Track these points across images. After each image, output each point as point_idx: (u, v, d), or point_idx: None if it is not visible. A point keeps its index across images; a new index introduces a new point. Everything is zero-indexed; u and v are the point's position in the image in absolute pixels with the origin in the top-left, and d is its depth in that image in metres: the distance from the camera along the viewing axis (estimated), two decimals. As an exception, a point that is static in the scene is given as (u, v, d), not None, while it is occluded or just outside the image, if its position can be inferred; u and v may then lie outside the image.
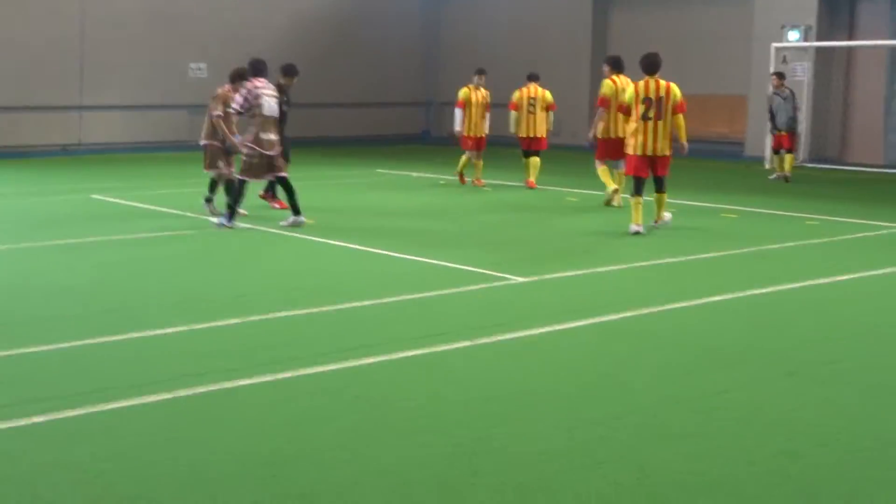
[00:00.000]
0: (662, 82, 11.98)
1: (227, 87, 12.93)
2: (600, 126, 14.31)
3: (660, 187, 12.17)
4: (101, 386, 5.91)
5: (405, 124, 29.11)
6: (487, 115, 17.26)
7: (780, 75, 18.89)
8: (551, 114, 17.00)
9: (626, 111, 12.12)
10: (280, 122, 12.76)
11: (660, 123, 11.84)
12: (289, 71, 14.00)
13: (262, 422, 5.36)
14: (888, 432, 5.27)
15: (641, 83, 12.02)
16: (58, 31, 23.47)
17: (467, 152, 17.20)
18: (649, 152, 11.87)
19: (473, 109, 17.08)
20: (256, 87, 12.11)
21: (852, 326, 7.61)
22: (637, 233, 11.68)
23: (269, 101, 12.15)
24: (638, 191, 11.86)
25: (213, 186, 13.24)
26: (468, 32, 28.45)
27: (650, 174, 12.02)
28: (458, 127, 17.19)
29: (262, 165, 12.22)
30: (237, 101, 12.12)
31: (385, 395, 5.83)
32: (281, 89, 13.29)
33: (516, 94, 16.90)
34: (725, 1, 23.75)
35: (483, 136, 17.20)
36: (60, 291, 8.61)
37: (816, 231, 12.18)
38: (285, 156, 13.38)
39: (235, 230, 11.98)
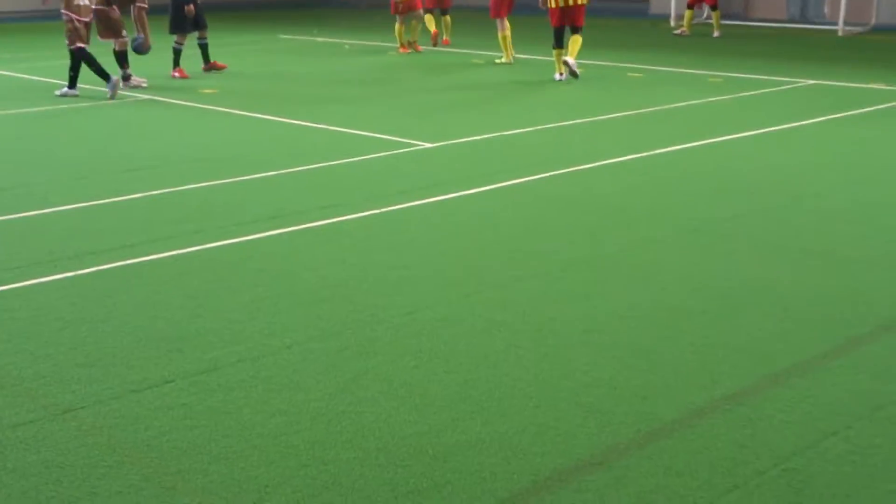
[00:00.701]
0: None
1: None
2: None
3: (576, 32, 12.93)
4: (-4, 267, 5.76)
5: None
6: None
7: None
8: None
9: None
10: None
11: None
12: None
13: (164, 297, 5.28)
14: (777, 285, 5.41)
15: None
16: None
17: (398, 17, 16.35)
18: (570, 2, 12.67)
19: None
20: None
21: (751, 182, 7.73)
22: (559, 80, 12.94)
23: None
24: (559, 42, 12.91)
25: (120, 58, 12.70)
26: None
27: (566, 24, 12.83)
28: None
29: (82, 30, 11.84)
30: None
31: (288, 267, 5.78)
32: None
33: None
34: None
35: None
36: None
37: (720, 88, 12.27)
38: (200, 21, 13.30)
39: (137, 102, 11.64)
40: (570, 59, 12.72)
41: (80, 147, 9.25)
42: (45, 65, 15.10)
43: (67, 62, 12.06)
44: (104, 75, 11.84)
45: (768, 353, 4.50)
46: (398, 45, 16.58)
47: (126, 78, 12.64)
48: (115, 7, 12.42)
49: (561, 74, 13.03)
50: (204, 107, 11.27)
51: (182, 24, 13.62)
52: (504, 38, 14.81)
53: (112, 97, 11.78)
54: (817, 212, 6.90)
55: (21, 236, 6.41)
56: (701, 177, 7.90)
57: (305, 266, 5.78)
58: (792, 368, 4.35)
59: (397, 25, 16.51)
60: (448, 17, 17.25)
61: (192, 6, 13.50)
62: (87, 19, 11.86)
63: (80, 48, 11.77)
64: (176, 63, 13.73)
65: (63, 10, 11.76)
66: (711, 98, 11.55)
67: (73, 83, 11.98)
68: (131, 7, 12.70)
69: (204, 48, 14.06)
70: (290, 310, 5.11)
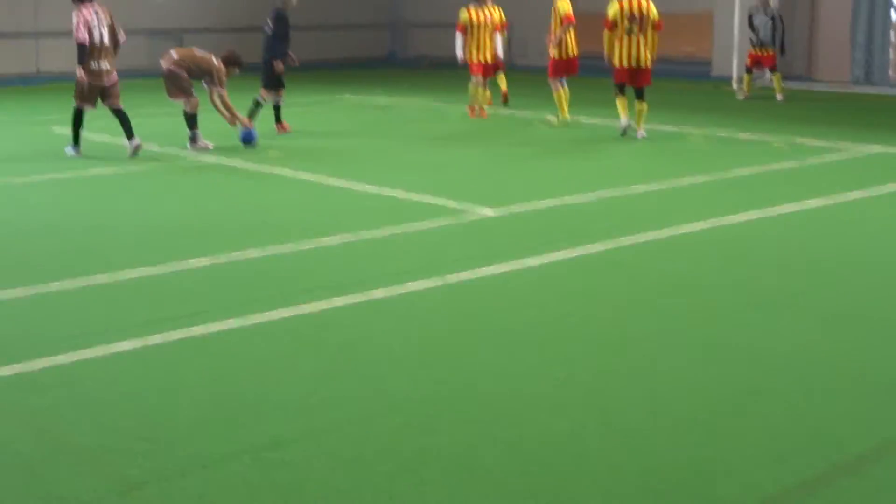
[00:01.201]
0: (643, 1, 13.24)
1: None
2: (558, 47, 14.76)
3: (640, 96, 13.45)
4: (64, 333, 5.84)
5: (371, 47, 28.68)
6: (499, 36, 15.92)
7: None
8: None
9: (612, 27, 13.26)
10: (265, 47, 14.05)
11: (641, 38, 13.22)
12: None
13: (228, 369, 5.31)
14: (849, 365, 5.30)
15: (626, 1, 13.20)
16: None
17: (474, 78, 15.90)
18: (634, 64, 13.24)
19: (479, 31, 15.71)
20: (90, 15, 12.04)
21: (820, 255, 7.62)
22: (628, 125, 13.46)
23: (98, 29, 12.08)
24: (622, 91, 13.47)
25: (189, 119, 12.96)
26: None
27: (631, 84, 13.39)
28: (459, 53, 15.89)
29: (94, 92, 12.19)
30: (78, 29, 12.02)
31: (350, 338, 5.79)
32: (277, 11, 14.17)
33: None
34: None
35: (489, 60, 15.88)
36: (19, 232, 8.47)
37: (785, 155, 12.16)
38: (278, 81, 14.01)
39: (201, 165, 11.84)
40: (640, 132, 13.39)
41: (144, 211, 9.39)
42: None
43: (140, 121, 12.32)
44: (77, 139, 12.34)
45: (841, 437, 4.39)
46: (473, 106, 16.12)
47: (193, 139, 12.87)
48: (185, 72, 12.69)
49: (626, 120, 13.51)
50: (268, 169, 11.41)
51: (273, 81, 14.11)
52: (559, 97, 14.88)
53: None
54: (888, 286, 6.77)
55: (84, 303, 6.49)
56: (766, 247, 7.81)
57: (367, 338, 5.79)
58: (867, 454, 4.24)
59: (472, 86, 16.02)
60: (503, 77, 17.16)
61: (281, 63, 14.00)
62: (100, 84, 12.14)
63: (79, 108, 12.26)
64: (278, 118, 14.34)
65: (81, 72, 12.07)
66: (776, 165, 11.45)
67: (129, 134, 12.24)
68: (202, 81, 12.87)
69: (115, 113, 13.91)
70: (353, 383, 5.10)
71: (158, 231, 8.49)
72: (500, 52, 16.04)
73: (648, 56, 13.31)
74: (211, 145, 12.85)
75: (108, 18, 12.28)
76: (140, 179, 11.08)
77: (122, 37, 12.46)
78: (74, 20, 12.02)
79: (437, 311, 6.29)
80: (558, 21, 14.72)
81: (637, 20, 13.20)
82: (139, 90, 21.02)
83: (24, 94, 20.76)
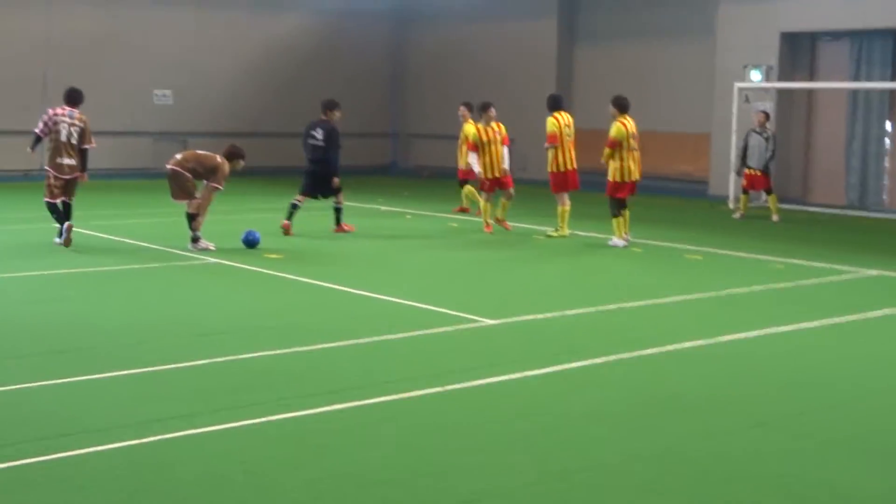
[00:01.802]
0: (633, 120, 14.28)
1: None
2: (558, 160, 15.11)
3: (625, 206, 14.33)
4: (56, 432, 5.79)
5: (372, 155, 29.07)
6: (505, 150, 15.90)
7: (766, 114, 18.99)
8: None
9: (618, 146, 14.08)
10: (314, 158, 14.92)
11: (637, 154, 14.28)
12: (330, 106, 15.24)
13: (225, 472, 5.27)
14: (855, 489, 5.27)
15: (627, 122, 14.18)
16: (21, 54, 23.34)
17: (484, 195, 15.86)
18: (636, 178, 14.25)
19: (489, 147, 15.64)
20: (56, 115, 12.93)
21: (818, 376, 7.63)
22: (626, 245, 14.11)
23: (67, 128, 12.90)
24: (623, 210, 14.24)
25: (191, 219, 13.08)
26: (434, 64, 28.53)
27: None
28: (477, 169, 15.69)
29: (59, 188, 12.91)
30: (39, 125, 13.07)
31: (349, 444, 5.76)
32: (327, 124, 15.02)
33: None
34: (688, 39, 23.98)
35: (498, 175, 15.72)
36: (11, 329, 8.46)
37: (781, 275, 12.25)
38: (328, 181, 15.03)
39: (205, 266, 11.90)
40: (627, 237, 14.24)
41: (145, 309, 9.40)
42: (123, 223, 15.52)
43: (143, 220, 12.41)
44: (62, 222, 12.85)
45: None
46: (483, 223, 15.90)
47: (195, 240, 12.95)
48: (189, 173, 12.85)
49: (626, 239, 14.23)
50: (269, 272, 11.46)
51: (311, 189, 15.05)
52: (564, 212, 15.11)
53: (64, 244, 12.69)
54: (890, 410, 6.76)
55: (83, 400, 6.46)
56: (765, 367, 7.82)
57: (366, 445, 5.75)
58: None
59: (483, 202, 16.00)
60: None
61: (337, 179, 15.02)
62: (66, 177, 12.87)
63: (49, 202, 12.88)
64: (338, 221, 15.24)
65: (46, 167, 12.93)
66: (773, 285, 11.52)
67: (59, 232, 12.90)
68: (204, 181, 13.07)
69: (339, 212, 15.33)
70: (352, 491, 5.06)
71: (158, 330, 8.48)
72: (506, 167, 15.96)
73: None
74: (213, 246, 12.93)
75: (82, 123, 13.05)
76: (139, 277, 11.12)
77: (90, 144, 13.16)
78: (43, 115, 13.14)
79: (435, 420, 6.25)
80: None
81: (635, 138, 14.17)
82: (145, 190, 21.23)
83: (28, 189, 20.95)
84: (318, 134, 14.97)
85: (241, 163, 13.39)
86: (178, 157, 13.16)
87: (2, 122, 22.92)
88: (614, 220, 14.31)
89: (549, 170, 15.23)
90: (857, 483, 5.35)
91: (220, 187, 13.04)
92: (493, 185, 15.73)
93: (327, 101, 15.36)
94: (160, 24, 25.30)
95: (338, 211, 15.30)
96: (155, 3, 25.14)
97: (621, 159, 14.17)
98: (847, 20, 20.83)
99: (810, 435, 6.18)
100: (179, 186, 12.92)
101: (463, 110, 17.94)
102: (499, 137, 15.77)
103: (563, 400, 6.80)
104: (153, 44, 25.16)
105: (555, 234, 15.18)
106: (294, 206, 14.88)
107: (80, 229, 14.66)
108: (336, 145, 15.07)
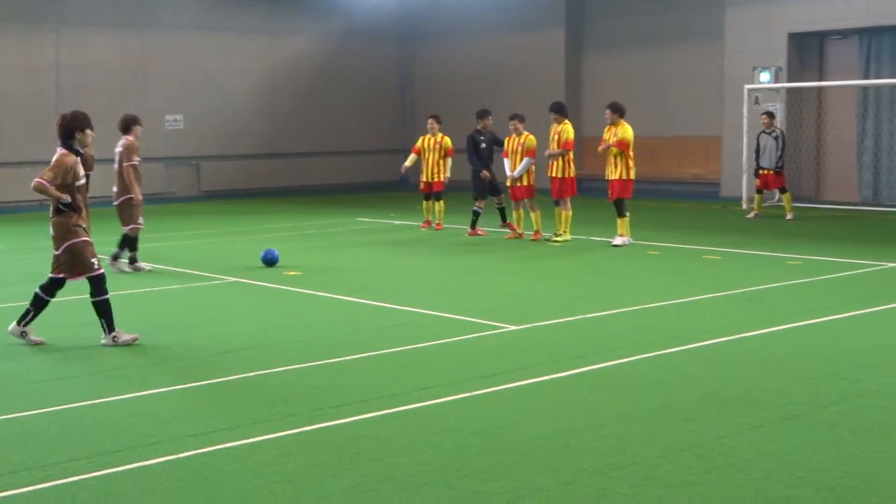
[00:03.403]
0: None
1: (130, 138, 12.95)
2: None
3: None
4: (94, 451, 5.84)
5: (382, 171, 29.18)
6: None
7: (770, 115, 19.09)
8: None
9: (628, 147, 14.87)
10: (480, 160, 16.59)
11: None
12: (482, 114, 17.05)
13: (265, 482, 5.32)
14: (888, 474, 5.29)
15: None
16: (33, 84, 23.51)
17: (527, 202, 15.90)
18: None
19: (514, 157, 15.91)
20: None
21: (844, 367, 7.65)
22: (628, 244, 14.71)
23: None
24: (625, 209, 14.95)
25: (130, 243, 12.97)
26: (442, 80, 28.65)
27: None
28: (513, 173, 15.76)
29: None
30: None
31: (385, 450, 5.81)
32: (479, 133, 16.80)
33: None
34: (696, 43, 24.05)
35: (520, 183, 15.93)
36: (40, 352, 8.53)
37: (800, 271, 12.28)
38: (496, 187, 16.85)
39: (224, 284, 11.97)
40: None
41: (170, 329, 9.46)
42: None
43: (157, 244, 12.48)
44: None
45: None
46: (537, 231, 15.90)
47: (132, 262, 12.95)
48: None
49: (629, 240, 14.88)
50: (291, 289, 11.53)
51: (481, 189, 16.58)
52: (567, 217, 15.36)
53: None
54: (916, 398, 6.79)
55: (119, 419, 6.52)
56: (792, 361, 7.85)
57: (402, 450, 5.80)
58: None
59: (515, 213, 16.18)
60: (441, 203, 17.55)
61: (486, 172, 16.50)
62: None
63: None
64: (473, 224, 16.48)
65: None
66: (792, 281, 11.55)
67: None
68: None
69: (502, 211, 16.84)
70: (391, 495, 5.11)
71: (177, 349, 8.54)
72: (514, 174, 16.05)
73: None
74: (149, 266, 12.94)
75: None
76: (158, 298, 11.20)
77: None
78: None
79: (468, 424, 6.30)
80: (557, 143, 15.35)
81: None
82: (158, 215, 21.37)
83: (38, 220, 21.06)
84: (483, 141, 16.63)
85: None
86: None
87: (14, 152, 23.07)
88: (623, 220, 14.81)
89: (567, 175, 15.33)
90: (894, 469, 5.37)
91: (133, 163, 12.88)
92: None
93: (480, 110, 17.10)
94: (171, 49, 25.48)
95: (501, 210, 16.78)
96: (165, 29, 25.33)
97: (629, 159, 14.82)
98: (855, 19, 20.88)
99: (841, 424, 6.20)
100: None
101: (431, 122, 17.77)
102: (523, 146, 15.82)
103: (594, 400, 6.83)
104: (164, 69, 25.35)
105: (559, 239, 15.27)
106: (477, 214, 16.41)
107: (103, 256, 14.76)
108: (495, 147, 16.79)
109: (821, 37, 22.23)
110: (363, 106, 29.02)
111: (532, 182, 15.84)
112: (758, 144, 18.96)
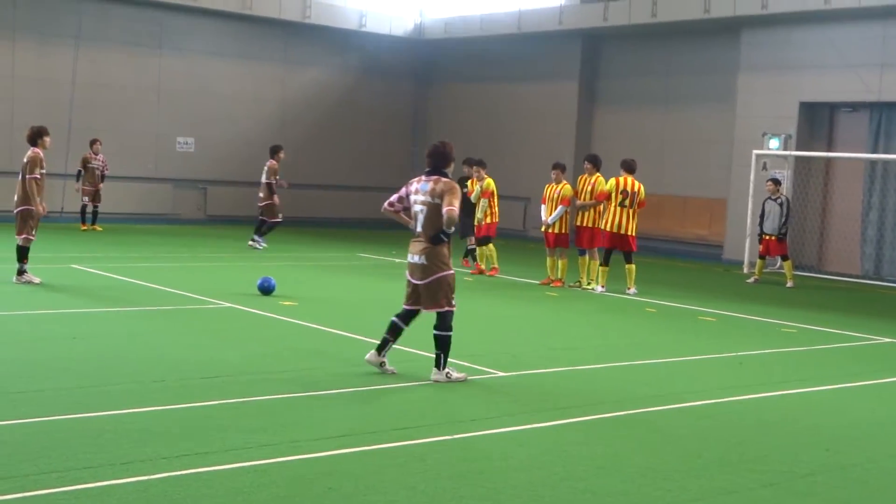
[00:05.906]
0: (636, 181, 15.69)
1: (36, 150, 13.41)
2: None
3: (629, 260, 15.64)
4: (68, 466, 5.82)
5: (392, 209, 29.18)
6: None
7: (775, 181, 19.13)
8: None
9: (608, 198, 15.57)
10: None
11: (630, 211, 15.53)
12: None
13: (233, 509, 5.29)
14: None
15: (621, 179, 15.62)
16: (47, 98, 23.66)
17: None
18: (621, 231, 15.47)
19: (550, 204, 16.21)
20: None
21: (827, 438, 7.61)
22: (600, 292, 15.40)
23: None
24: (606, 261, 15.74)
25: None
26: (455, 122, 28.81)
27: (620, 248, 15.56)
28: (547, 219, 16.12)
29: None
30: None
31: (359, 487, 5.77)
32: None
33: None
34: (708, 106, 24.17)
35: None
36: (27, 364, 8.51)
37: (794, 339, 12.25)
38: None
39: (219, 309, 11.96)
40: (632, 290, 15.44)
41: (158, 350, 9.45)
42: (140, 266, 15.64)
43: (161, 265, 12.49)
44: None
45: None
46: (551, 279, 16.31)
47: (20, 273, 13.09)
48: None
49: (603, 288, 15.58)
50: (282, 318, 11.51)
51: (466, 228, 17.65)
52: (595, 266, 15.87)
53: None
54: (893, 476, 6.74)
55: (95, 437, 6.49)
56: (777, 428, 7.80)
57: (375, 489, 5.76)
58: None
59: (548, 259, 16.35)
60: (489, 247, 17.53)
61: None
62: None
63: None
64: (475, 259, 17.52)
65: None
66: (785, 348, 11.52)
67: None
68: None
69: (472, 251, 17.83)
70: (359, 533, 5.06)
71: (162, 370, 8.52)
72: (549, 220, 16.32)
73: (632, 226, 15.56)
74: (38, 280, 13.09)
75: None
76: (150, 319, 11.18)
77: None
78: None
79: (445, 468, 6.26)
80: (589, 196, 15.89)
81: (628, 196, 15.46)
82: (163, 235, 21.43)
83: (49, 230, 21.12)
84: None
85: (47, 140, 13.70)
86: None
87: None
88: (603, 269, 15.74)
89: (596, 225, 15.81)
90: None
91: (36, 175, 13.37)
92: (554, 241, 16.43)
93: (466, 159, 18.13)
94: (186, 72, 25.68)
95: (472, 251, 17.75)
96: (182, 52, 25.54)
97: (611, 211, 15.55)
98: (866, 92, 20.99)
99: (818, 495, 6.15)
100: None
101: (474, 169, 17.85)
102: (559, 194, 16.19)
103: (574, 453, 6.79)
104: (178, 92, 25.53)
105: (588, 287, 15.88)
106: (471, 250, 17.52)
107: (98, 271, 14.78)
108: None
109: (831, 108, 22.33)
110: (373, 142, 29.16)
111: (566, 230, 16.09)
112: (763, 210, 18.99)
